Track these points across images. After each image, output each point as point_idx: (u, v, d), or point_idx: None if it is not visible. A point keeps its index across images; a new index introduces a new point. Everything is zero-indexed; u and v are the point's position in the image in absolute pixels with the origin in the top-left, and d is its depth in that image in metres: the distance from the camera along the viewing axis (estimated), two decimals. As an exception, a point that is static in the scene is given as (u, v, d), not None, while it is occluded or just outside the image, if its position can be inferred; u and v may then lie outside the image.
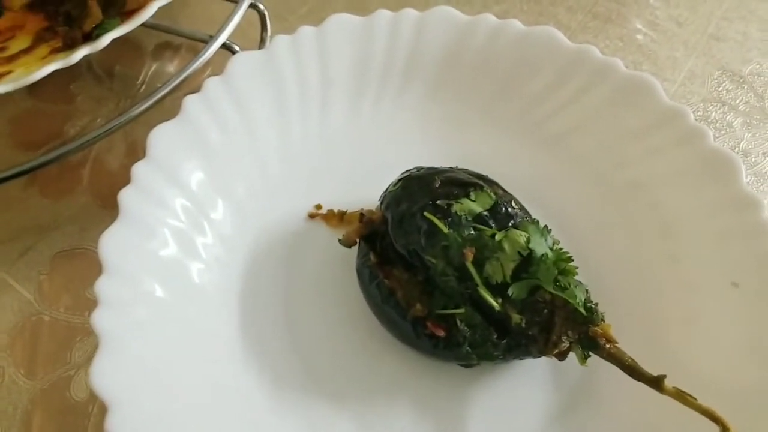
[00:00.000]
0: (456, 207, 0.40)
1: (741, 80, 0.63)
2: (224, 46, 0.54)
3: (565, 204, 0.49)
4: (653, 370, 0.36)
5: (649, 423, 0.39)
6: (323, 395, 0.42)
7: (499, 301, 0.38)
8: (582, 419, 0.41)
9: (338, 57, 0.52)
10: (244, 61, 0.49)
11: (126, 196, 0.41)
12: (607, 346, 0.37)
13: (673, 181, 0.46)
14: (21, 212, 0.52)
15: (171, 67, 0.62)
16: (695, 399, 0.35)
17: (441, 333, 0.39)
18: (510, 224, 0.40)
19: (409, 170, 0.45)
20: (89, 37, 0.49)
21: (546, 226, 0.40)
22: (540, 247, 0.39)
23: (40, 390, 0.44)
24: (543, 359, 0.40)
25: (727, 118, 0.60)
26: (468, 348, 0.39)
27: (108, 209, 0.52)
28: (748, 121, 0.60)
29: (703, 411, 0.35)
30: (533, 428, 0.41)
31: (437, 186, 0.42)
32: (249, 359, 0.42)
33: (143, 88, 0.60)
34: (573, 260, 0.39)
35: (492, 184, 0.43)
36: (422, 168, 0.45)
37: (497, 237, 0.39)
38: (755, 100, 0.61)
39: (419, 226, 0.40)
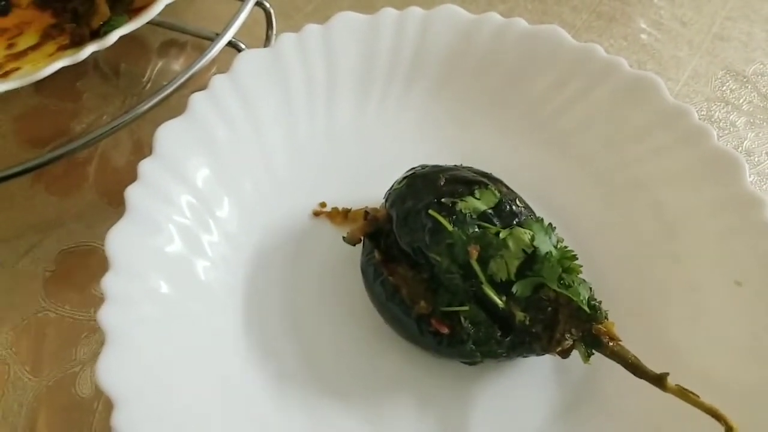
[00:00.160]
0: (461, 205, 0.40)
1: (745, 80, 0.63)
2: (230, 43, 0.54)
3: (569, 202, 0.49)
4: (656, 368, 0.36)
5: (652, 421, 0.39)
6: (327, 392, 0.42)
7: (504, 298, 0.38)
8: (585, 417, 0.41)
9: (344, 55, 0.52)
10: (250, 58, 0.49)
11: (132, 193, 0.41)
12: (611, 344, 0.37)
13: (677, 179, 0.46)
14: (27, 209, 0.52)
15: (177, 65, 0.62)
16: (698, 397, 0.35)
17: (445, 330, 0.39)
18: (514, 222, 0.40)
19: (413, 168, 0.45)
20: (96, 35, 0.50)
21: (550, 224, 0.40)
22: (544, 244, 0.39)
23: (46, 387, 0.44)
24: (546, 357, 0.40)
25: (731, 117, 0.60)
26: (472, 345, 0.39)
27: (114, 206, 0.52)
28: (751, 120, 0.60)
29: (706, 409, 0.35)
30: (536, 425, 0.41)
31: (442, 184, 0.42)
32: (254, 356, 0.42)
33: (149, 85, 0.60)
34: (577, 258, 0.39)
35: (496, 182, 0.43)
36: (427, 166, 0.45)
37: (502, 235, 0.39)
38: (759, 99, 0.61)
39: (424, 224, 0.40)
